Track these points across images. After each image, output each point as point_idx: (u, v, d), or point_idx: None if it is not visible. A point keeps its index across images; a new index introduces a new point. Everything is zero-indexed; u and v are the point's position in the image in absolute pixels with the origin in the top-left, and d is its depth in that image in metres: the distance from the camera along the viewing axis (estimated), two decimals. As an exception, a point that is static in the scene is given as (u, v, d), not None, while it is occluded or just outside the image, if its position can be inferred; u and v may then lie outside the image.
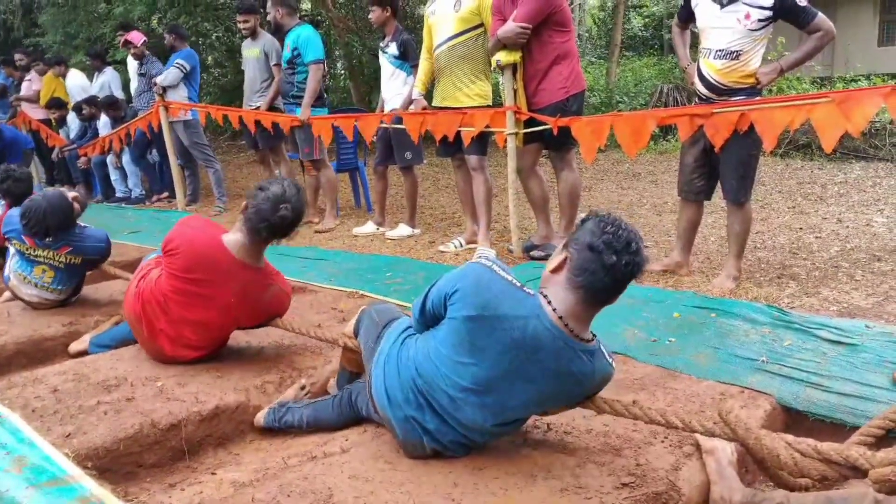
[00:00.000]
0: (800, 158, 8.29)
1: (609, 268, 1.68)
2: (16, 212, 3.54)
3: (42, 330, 3.40)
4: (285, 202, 2.56)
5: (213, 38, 14.53)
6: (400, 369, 1.99)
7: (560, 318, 1.74)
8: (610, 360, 1.85)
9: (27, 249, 3.50)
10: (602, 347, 1.84)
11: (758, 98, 3.42)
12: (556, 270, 1.79)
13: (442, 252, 4.67)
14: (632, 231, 1.73)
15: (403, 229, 5.27)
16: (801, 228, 4.86)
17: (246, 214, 2.61)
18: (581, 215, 5.20)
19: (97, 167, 7.91)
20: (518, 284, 1.81)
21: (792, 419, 2.30)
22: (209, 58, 15.34)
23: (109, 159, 7.68)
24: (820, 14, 3.28)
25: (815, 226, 4.92)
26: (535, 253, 4.33)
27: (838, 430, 2.17)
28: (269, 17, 5.47)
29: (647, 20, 22.65)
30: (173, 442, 2.38)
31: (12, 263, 3.64)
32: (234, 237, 2.66)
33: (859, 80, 10.02)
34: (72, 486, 1.86)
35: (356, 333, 2.40)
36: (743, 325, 2.99)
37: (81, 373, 2.76)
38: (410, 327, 2.12)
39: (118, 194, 7.87)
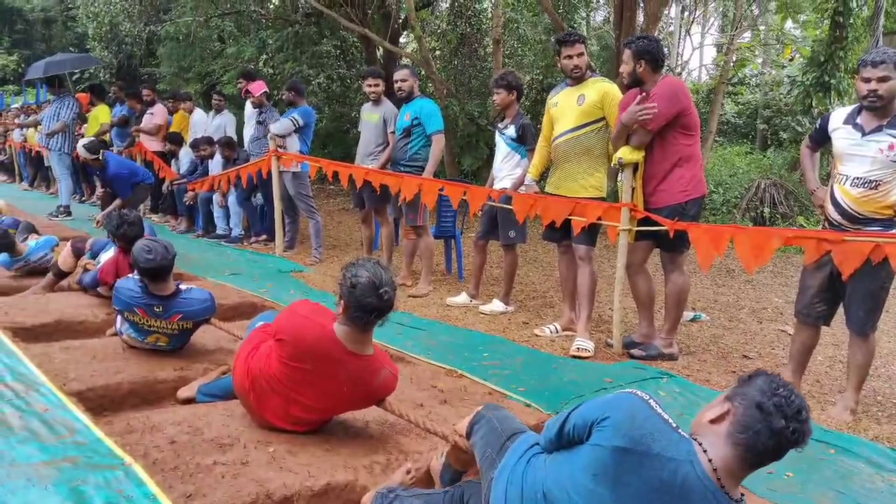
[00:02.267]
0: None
1: (775, 432, 1.63)
2: (124, 283, 3.63)
3: (156, 372, 3.52)
4: (383, 286, 2.57)
5: (315, 84, 15.18)
6: (524, 488, 1.95)
7: (714, 470, 1.69)
8: None
9: (140, 320, 3.57)
10: None
11: (894, 231, 3.32)
12: (715, 421, 1.73)
13: (538, 336, 4.65)
14: (802, 398, 1.69)
15: (497, 305, 5.28)
16: (916, 359, 4.64)
17: (350, 314, 2.60)
18: (687, 314, 5.09)
19: (203, 203, 8.25)
20: (674, 425, 1.76)
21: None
22: (308, 103, 15.97)
23: (216, 197, 8.01)
24: (969, 151, 3.19)
25: (930, 357, 4.69)
26: (635, 351, 4.26)
27: None
28: (398, 86, 5.64)
29: (741, 107, 22.48)
30: (283, 515, 2.41)
31: (124, 328, 3.72)
32: (343, 329, 2.66)
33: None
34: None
35: (468, 434, 2.39)
36: (866, 468, 2.85)
37: (196, 426, 2.84)
38: (537, 444, 2.10)
39: (219, 231, 8.18)
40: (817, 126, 3.65)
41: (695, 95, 21.90)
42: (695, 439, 1.75)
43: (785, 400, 1.65)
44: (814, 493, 2.64)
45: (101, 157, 6.95)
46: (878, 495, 2.63)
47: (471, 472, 2.56)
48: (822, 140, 3.63)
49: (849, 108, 3.48)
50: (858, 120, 3.35)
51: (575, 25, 14.92)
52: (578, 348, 4.28)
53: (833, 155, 3.53)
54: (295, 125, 6.89)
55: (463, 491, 2.37)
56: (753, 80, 22.33)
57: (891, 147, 3.23)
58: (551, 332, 4.73)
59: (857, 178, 3.32)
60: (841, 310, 3.58)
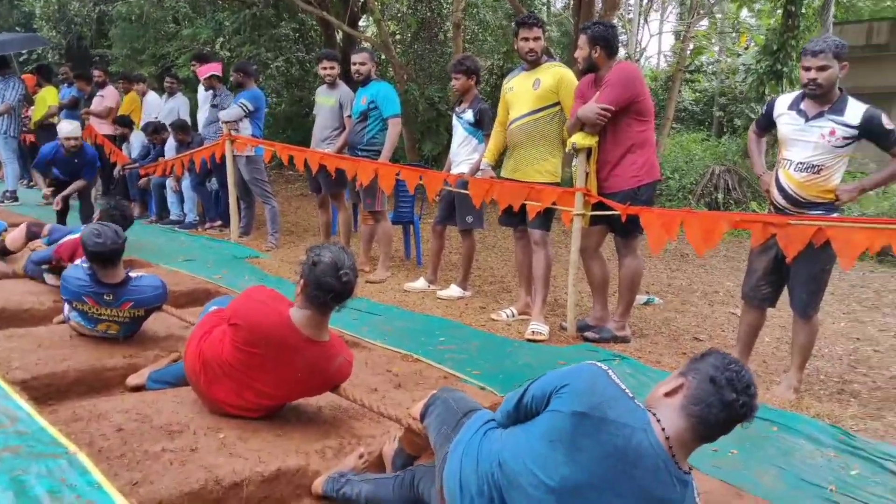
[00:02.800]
0: (850, 258, 8.18)
1: (726, 404, 1.70)
2: (72, 272, 3.54)
3: (104, 360, 3.46)
4: (344, 268, 2.57)
5: (273, 67, 14.93)
6: (480, 459, 1.97)
7: (667, 438, 1.74)
8: (698, 499, 1.83)
9: (89, 309, 3.49)
10: (695, 483, 1.82)
11: (836, 215, 3.42)
12: (670, 394, 1.80)
13: (494, 320, 4.68)
14: (751, 373, 1.76)
15: (455, 290, 5.30)
16: (858, 339, 4.79)
17: (308, 292, 2.59)
18: (640, 298, 5.19)
19: (156, 188, 8.09)
20: (630, 395, 1.81)
21: (863, 560, 2.25)
22: (267, 87, 15.75)
23: (169, 182, 7.86)
24: (905, 138, 3.29)
25: (872, 337, 4.84)
26: (589, 334, 4.32)
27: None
28: (356, 69, 5.58)
29: (698, 95, 22.82)
30: (233, 500, 2.39)
31: (72, 315, 3.64)
32: (301, 313, 2.64)
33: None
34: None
35: (423, 417, 2.40)
36: (807, 444, 2.95)
37: (144, 413, 2.80)
38: (493, 420, 2.12)
39: (172, 217, 8.03)
40: (763, 112, 3.72)
41: (653, 82, 22.16)
42: (650, 411, 1.80)
43: (736, 375, 1.72)
44: (756, 469, 2.72)
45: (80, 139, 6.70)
46: (817, 469, 2.72)
47: (423, 457, 2.57)
48: (767, 126, 3.70)
49: (793, 95, 3.55)
50: (802, 106, 3.43)
51: (535, 11, 14.92)
52: (533, 332, 4.32)
53: (778, 140, 3.61)
54: (245, 111, 6.78)
55: (413, 474, 2.38)
56: (710, 67, 22.65)
57: (832, 133, 3.31)
58: (507, 316, 4.76)
59: (801, 163, 3.40)
60: (786, 292, 3.67)
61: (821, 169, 3.37)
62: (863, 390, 3.77)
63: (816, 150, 3.36)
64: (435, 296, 5.29)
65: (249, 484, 2.41)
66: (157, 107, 8.60)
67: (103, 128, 8.84)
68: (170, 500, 2.25)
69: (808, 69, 3.33)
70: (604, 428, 1.75)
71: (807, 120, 3.40)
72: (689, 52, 18.72)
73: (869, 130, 3.29)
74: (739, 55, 20.75)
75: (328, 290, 2.55)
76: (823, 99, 3.35)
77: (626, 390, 1.82)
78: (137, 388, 3.30)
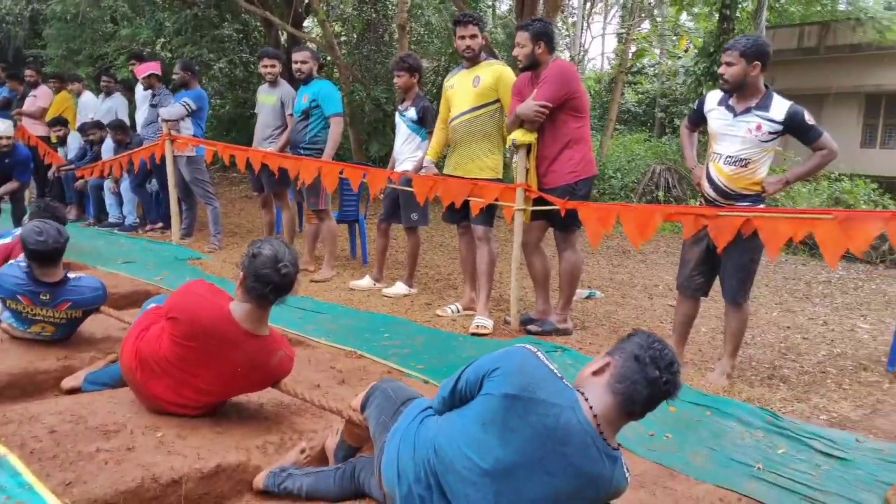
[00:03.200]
0: (784, 252, 8.50)
1: (650, 381, 1.76)
2: (7, 270, 3.44)
3: (37, 363, 3.36)
4: (283, 261, 2.57)
5: (216, 68, 14.69)
6: (416, 446, 2.00)
7: (595, 416, 1.80)
8: (627, 475, 1.89)
9: (24, 309, 3.38)
10: (623, 460, 1.88)
11: (762, 206, 3.56)
12: (597, 373, 1.86)
13: (439, 316, 4.71)
14: (674, 352, 1.83)
15: (400, 287, 5.31)
16: (788, 327, 4.98)
17: (247, 285, 2.58)
18: (582, 292, 5.30)
19: (93, 190, 7.88)
20: (559, 375, 1.87)
21: (787, 532, 2.36)
22: (210, 88, 15.51)
23: (107, 184, 7.67)
24: (826, 134, 3.46)
25: (802, 326, 5.05)
26: (532, 327, 4.39)
27: (833, 548, 2.22)
28: (297, 67, 5.55)
29: (640, 96, 23.34)
30: (172, 498, 2.36)
31: (4, 316, 3.53)
32: (240, 307, 2.63)
33: (843, 179, 10.38)
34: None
35: (363, 408, 2.42)
36: (737, 426, 3.06)
37: (79, 414, 2.74)
38: (430, 407, 2.15)
39: (111, 219, 7.83)
40: (695, 107, 3.85)
41: (597, 84, 22.57)
42: (579, 390, 1.86)
43: (659, 353, 1.79)
44: (689, 451, 2.81)
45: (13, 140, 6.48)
46: (746, 449, 2.83)
47: (365, 449, 2.58)
48: (698, 121, 3.83)
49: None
50: (730, 102, 3.57)
51: (480, 13, 15.05)
52: (478, 326, 4.37)
53: (709, 135, 3.74)
54: (187, 110, 6.68)
55: (354, 466, 2.40)
56: (652, 69, 23.20)
57: (758, 127, 3.45)
58: (453, 311, 4.80)
59: (730, 157, 3.53)
60: (718, 282, 3.80)
61: (748, 162, 3.50)
62: (791, 375, 3.93)
63: (744, 145, 3.50)
64: (381, 293, 5.29)
65: (188, 481, 2.38)
66: (93, 107, 8.38)
67: (37, 129, 8.57)
68: (104, 500, 2.21)
69: (721, 65, 3.53)
70: (533, 408, 1.80)
71: (735, 115, 3.54)
72: (630, 54, 19.13)
73: (792, 126, 3.44)
74: (679, 58, 21.32)
75: (267, 282, 2.54)
76: (751, 94, 3.49)
77: (556, 371, 1.88)
78: (73, 391, 3.22)
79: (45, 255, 3.34)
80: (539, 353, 1.92)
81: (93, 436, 2.56)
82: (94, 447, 2.47)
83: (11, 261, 3.61)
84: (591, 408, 1.80)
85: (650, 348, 1.79)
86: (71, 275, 3.57)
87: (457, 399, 2.03)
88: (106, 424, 2.66)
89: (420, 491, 1.95)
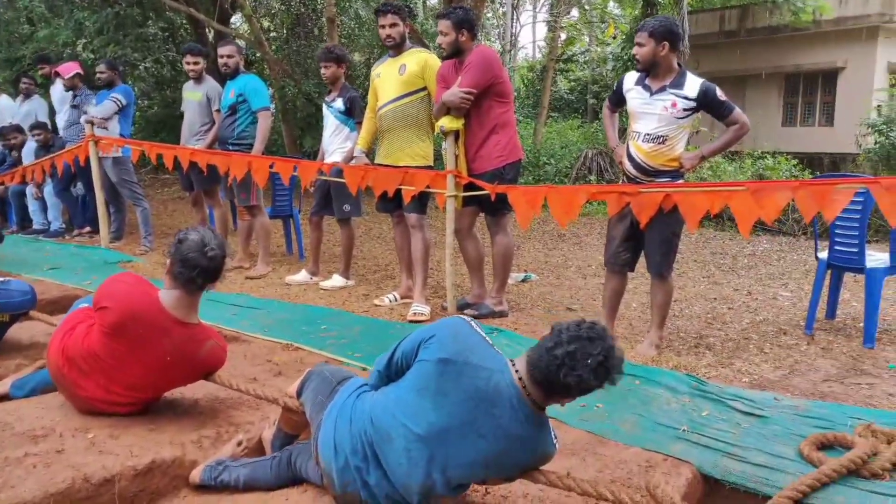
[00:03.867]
0: (713, 228, 8.82)
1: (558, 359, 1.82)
2: None
3: (-42, 373, 3.26)
4: (209, 245, 2.58)
5: (142, 68, 14.31)
6: (353, 419, 2.06)
7: (520, 379, 1.87)
8: (555, 441, 1.97)
9: None
10: (551, 426, 1.96)
11: (681, 181, 3.70)
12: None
13: (377, 306, 4.74)
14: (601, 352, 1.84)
15: (337, 280, 5.31)
16: (715, 299, 5.19)
17: (174, 270, 2.59)
18: (518, 275, 5.40)
19: (14, 196, 7.60)
20: (490, 342, 1.97)
21: (710, 487, 2.47)
22: (136, 89, 15.09)
23: (29, 189, 7.41)
24: (737, 109, 3.62)
25: (727, 297, 5.26)
26: (468, 311, 4.45)
27: (752, 498, 2.34)
28: (224, 62, 5.47)
29: (572, 84, 23.75)
30: (105, 497, 2.33)
31: None
32: (169, 294, 2.63)
33: (766, 157, 10.79)
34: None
35: (299, 394, 2.44)
36: (665, 393, 3.18)
37: (5, 421, 2.66)
38: (366, 384, 2.20)
39: (36, 226, 7.56)
40: (614, 88, 3.97)
41: (529, 73, 22.84)
42: (510, 360, 1.96)
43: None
44: (619, 419, 2.91)
45: None
46: (672, 414, 2.95)
47: (302, 437, 2.60)
48: (619, 101, 3.95)
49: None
50: (647, 81, 3.70)
51: (411, 5, 15.05)
52: (415, 313, 4.42)
53: (628, 114, 3.86)
54: (118, 105, 6.50)
55: (290, 453, 2.42)
56: (582, 57, 23.61)
57: (673, 105, 3.59)
58: (390, 301, 4.83)
59: (648, 135, 3.66)
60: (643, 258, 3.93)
61: (665, 139, 3.64)
62: (717, 343, 4.10)
63: (661, 122, 3.63)
64: (318, 287, 5.28)
65: (121, 479, 2.35)
66: (10, 111, 8.07)
67: (-49, 136, 8.20)
68: (34, 503, 2.17)
69: (634, 45, 3.70)
70: (466, 371, 1.89)
71: (651, 94, 3.66)
72: (560, 42, 19.43)
73: (705, 102, 3.59)
74: (608, 44, 21.74)
75: (194, 266, 2.55)
76: (666, 73, 3.62)
77: (487, 339, 1.98)
78: (0, 399, 3.13)
79: None
80: (472, 323, 2.02)
81: (20, 441, 2.50)
82: (22, 452, 2.42)
83: None
84: (517, 371, 1.88)
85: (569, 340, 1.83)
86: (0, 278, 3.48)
87: (393, 371, 2.10)
88: (34, 429, 2.60)
89: (357, 462, 2.00)
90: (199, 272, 2.56)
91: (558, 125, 18.32)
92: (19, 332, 3.76)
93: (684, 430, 2.77)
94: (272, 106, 5.56)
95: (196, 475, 2.47)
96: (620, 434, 2.76)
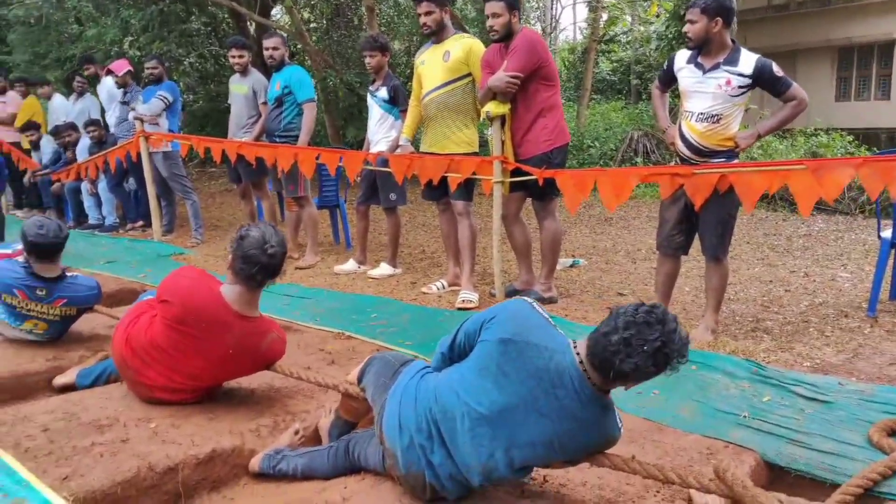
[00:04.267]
0: (765, 209, 8.59)
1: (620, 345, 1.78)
2: (5, 264, 3.47)
3: (25, 364, 3.36)
4: (270, 243, 2.61)
5: (186, 63, 14.53)
6: (418, 398, 2.07)
7: (581, 362, 1.85)
8: (620, 424, 1.94)
9: (19, 303, 3.40)
10: (615, 409, 1.92)
11: (736, 161, 3.60)
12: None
13: (425, 294, 4.74)
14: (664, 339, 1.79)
15: (385, 268, 5.33)
16: (770, 281, 5.05)
17: (235, 266, 2.63)
18: (566, 261, 5.35)
19: (70, 193, 7.82)
20: (552, 324, 1.95)
21: (774, 475, 2.41)
22: (181, 84, 15.35)
23: (84, 186, 7.61)
24: (795, 84, 3.49)
25: (783, 279, 5.11)
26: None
27: (818, 486, 2.27)
28: (269, 54, 5.52)
29: (615, 65, 23.31)
30: (169, 485, 2.38)
31: None
32: (231, 289, 2.67)
33: (819, 133, 10.46)
34: (76, 532, 1.86)
35: (360, 379, 2.45)
36: (723, 378, 3.11)
37: (71, 411, 2.75)
38: (428, 367, 2.21)
39: (91, 221, 7.78)
40: (664, 68, 3.87)
41: (570, 55, 22.52)
42: (573, 340, 1.93)
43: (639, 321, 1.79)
44: (677, 405, 2.86)
45: None
46: (732, 400, 2.88)
47: (361, 425, 2.61)
48: (668, 81, 3.85)
49: (691, 50, 3.71)
50: (699, 59, 3.59)
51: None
52: (463, 300, 4.40)
53: (680, 93, 3.76)
54: (165, 103, 6.62)
55: (348, 442, 2.43)
56: (624, 37, 23.16)
57: (728, 82, 3.48)
58: (438, 288, 4.82)
59: (702, 114, 3.56)
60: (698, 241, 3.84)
61: (720, 118, 3.53)
62: (774, 326, 3.99)
63: (715, 101, 3.53)
64: (365, 276, 5.31)
65: (184, 468, 2.41)
66: (64, 109, 8.29)
67: (8, 135, 8.47)
68: (102, 491, 2.23)
69: (685, 22, 3.58)
70: (527, 351, 1.88)
71: (704, 72, 3.56)
72: (602, 22, 19.07)
73: (761, 78, 3.47)
74: (651, 23, 21.27)
75: (254, 262, 2.58)
76: (718, 50, 3.52)
77: (549, 319, 1.97)
78: (66, 388, 3.23)
79: (43, 249, 3.37)
80: (534, 304, 2.01)
81: (86, 431, 2.58)
82: (89, 441, 2.49)
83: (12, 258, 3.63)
84: (578, 354, 1.86)
85: (634, 314, 1.80)
86: (69, 272, 3.58)
87: (455, 353, 2.12)
88: (99, 419, 2.67)
89: (421, 441, 2.01)
90: (258, 269, 2.59)
91: (601, 107, 18.01)
92: (81, 324, 3.86)
93: (745, 417, 2.71)
94: (316, 97, 5.57)
95: (255, 464, 2.51)
96: (679, 421, 2.71)
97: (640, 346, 1.75)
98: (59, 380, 3.26)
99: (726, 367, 3.22)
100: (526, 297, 2.05)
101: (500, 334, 1.92)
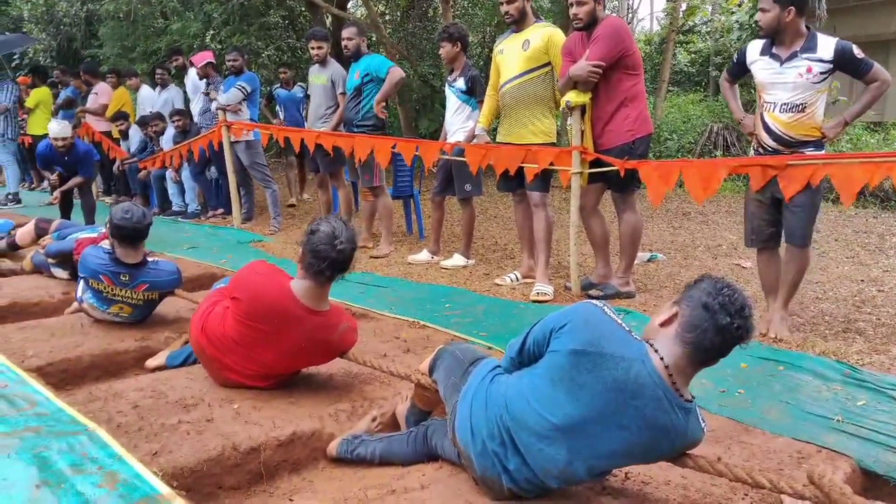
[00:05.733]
0: (853, 205, 8.18)
1: (720, 329, 1.72)
2: (91, 251, 3.62)
3: (116, 344, 3.50)
4: (339, 238, 2.60)
5: (264, 56, 14.84)
6: (488, 404, 2.02)
7: (666, 367, 1.78)
8: (703, 425, 1.87)
9: (105, 289, 3.55)
10: (698, 410, 1.85)
11: (823, 152, 3.45)
12: (665, 324, 1.83)
13: (498, 285, 4.71)
14: (746, 297, 1.77)
15: (458, 259, 5.32)
16: (862, 280, 4.80)
17: (305, 261, 2.64)
18: (644, 255, 5.23)
19: (156, 181, 8.12)
20: (627, 329, 1.86)
21: (871, 483, 2.29)
22: (260, 76, 15.71)
23: (169, 174, 7.89)
24: (876, 65, 3.33)
25: (876, 279, 4.86)
26: (593, 292, 4.34)
27: (921, 497, 2.15)
28: (344, 44, 5.58)
29: (693, 56, 22.63)
30: (252, 465, 2.44)
31: (86, 296, 3.69)
32: (301, 284, 2.68)
33: (913, 127, 9.91)
34: (164, 506, 1.92)
35: (431, 371, 2.44)
36: (813, 380, 2.98)
37: (159, 390, 2.85)
38: (499, 366, 2.16)
39: (175, 208, 8.07)
40: (734, 60, 3.76)
41: (647, 46, 21.98)
42: (649, 342, 1.84)
43: (729, 298, 1.74)
44: (763, 406, 2.75)
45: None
46: (824, 402, 2.75)
47: (436, 413, 2.61)
48: (739, 73, 3.75)
49: (762, 41, 3.56)
50: (774, 50, 3.46)
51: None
52: (538, 293, 4.36)
53: (756, 86, 3.62)
54: (244, 93, 6.79)
55: (427, 429, 2.43)
56: (704, 27, 22.44)
57: (809, 70, 3.34)
58: (512, 280, 4.79)
59: (785, 104, 3.42)
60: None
61: (804, 107, 3.39)
62: (868, 328, 3.79)
63: (797, 90, 3.39)
64: (439, 266, 5.32)
65: (266, 449, 2.46)
66: (151, 100, 8.61)
67: (100, 125, 8.85)
68: (190, 467, 2.30)
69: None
70: (602, 363, 1.79)
71: (781, 63, 3.43)
72: (681, 12, 18.53)
73: (842, 62, 3.33)
74: (733, 13, 20.54)
75: (324, 258, 2.59)
76: (794, 39, 3.39)
77: (623, 324, 1.86)
78: (157, 370, 3.35)
79: (128, 233, 3.49)
80: (605, 308, 1.91)
81: (174, 409, 2.67)
82: (176, 419, 2.57)
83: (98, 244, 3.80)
84: (661, 359, 1.78)
85: (719, 294, 1.74)
86: (150, 258, 3.71)
87: (525, 358, 2.04)
88: (185, 399, 2.76)
89: (494, 447, 1.97)
90: (328, 264, 2.60)
91: (678, 99, 17.52)
92: (165, 307, 4.01)
93: (839, 421, 2.58)
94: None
95: (333, 448, 2.53)
96: (767, 422, 2.61)
97: (739, 308, 1.74)
98: (151, 362, 3.38)
99: (816, 368, 3.09)
100: (595, 301, 1.94)
101: (572, 345, 1.83)
